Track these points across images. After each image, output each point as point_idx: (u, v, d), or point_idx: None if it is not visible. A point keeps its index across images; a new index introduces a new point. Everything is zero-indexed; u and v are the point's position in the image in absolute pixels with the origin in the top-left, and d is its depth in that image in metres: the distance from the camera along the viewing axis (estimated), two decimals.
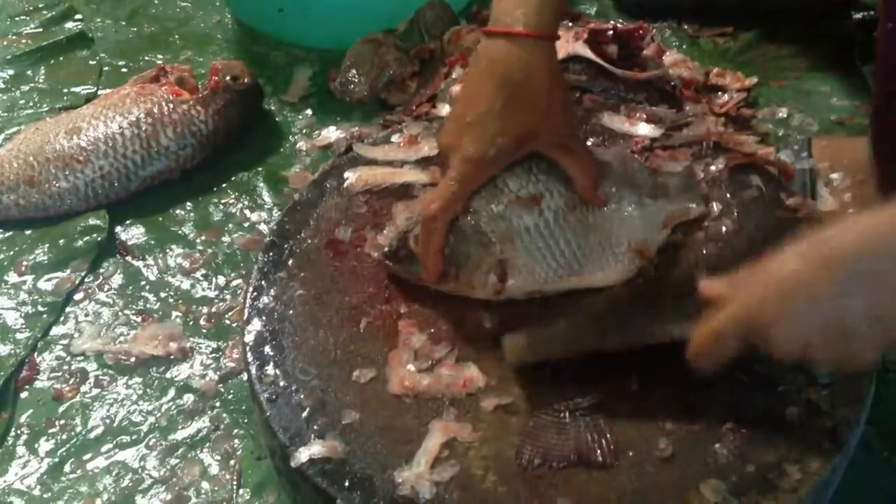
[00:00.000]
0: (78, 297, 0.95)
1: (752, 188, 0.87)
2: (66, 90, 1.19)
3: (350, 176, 0.91)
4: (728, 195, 0.86)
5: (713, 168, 0.88)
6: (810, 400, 0.71)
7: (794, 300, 0.61)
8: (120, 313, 0.93)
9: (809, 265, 0.60)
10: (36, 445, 0.82)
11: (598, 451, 0.69)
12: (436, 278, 0.78)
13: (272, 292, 0.81)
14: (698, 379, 0.72)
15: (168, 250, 0.99)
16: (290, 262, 0.84)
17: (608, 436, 0.69)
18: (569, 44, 1.02)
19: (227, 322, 0.92)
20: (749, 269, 0.64)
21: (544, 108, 0.75)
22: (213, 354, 0.89)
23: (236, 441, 0.82)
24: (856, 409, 0.70)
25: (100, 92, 1.18)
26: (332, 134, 1.11)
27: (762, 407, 0.71)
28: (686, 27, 1.23)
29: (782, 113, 1.09)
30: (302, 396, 0.73)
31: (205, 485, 0.79)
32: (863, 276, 0.58)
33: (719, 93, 1.09)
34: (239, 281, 0.95)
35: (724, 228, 0.81)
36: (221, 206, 1.04)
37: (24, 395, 0.86)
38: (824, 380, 0.71)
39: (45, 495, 0.78)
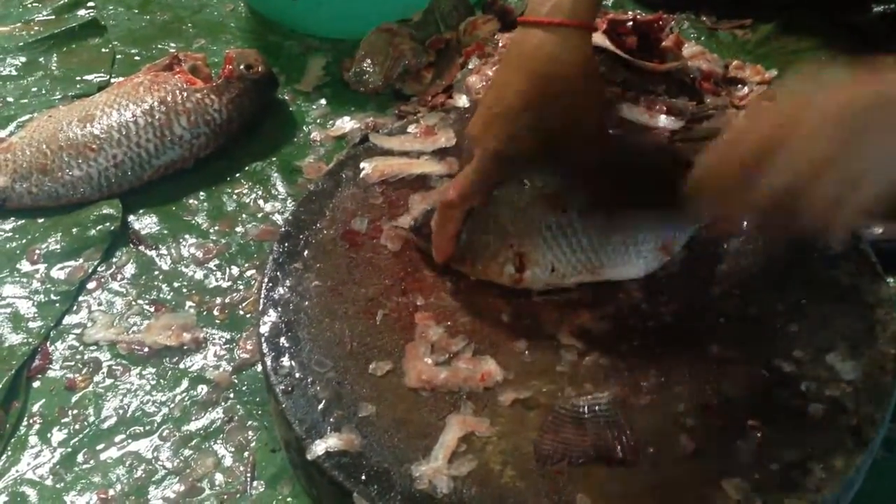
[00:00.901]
0: (91, 286, 0.94)
1: None
2: (78, 78, 1.19)
3: (366, 166, 0.90)
4: None
5: None
6: (834, 397, 0.70)
7: (809, 121, 0.56)
8: (133, 303, 0.92)
9: (840, 93, 0.57)
10: (48, 435, 0.81)
11: (618, 447, 0.68)
12: (444, 261, 0.78)
13: (287, 283, 0.81)
14: (719, 374, 0.72)
15: (181, 240, 0.99)
16: (306, 252, 0.84)
17: (628, 431, 0.69)
18: None
19: (241, 313, 0.91)
20: None
21: (577, 104, 0.72)
22: (227, 345, 0.88)
23: (250, 433, 0.81)
24: (880, 407, 0.69)
25: (112, 80, 1.17)
26: (346, 124, 1.10)
27: (785, 404, 0.70)
28: (704, 19, 1.22)
29: None
30: (318, 389, 0.73)
31: (218, 476, 0.78)
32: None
33: (739, 85, 1.07)
34: (252, 271, 0.95)
35: None
36: (235, 196, 1.03)
37: (36, 384, 0.86)
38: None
39: (57, 485, 0.78)
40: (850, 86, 0.58)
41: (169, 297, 0.93)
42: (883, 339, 0.73)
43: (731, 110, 0.99)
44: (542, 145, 0.72)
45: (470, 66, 1.08)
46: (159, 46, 1.24)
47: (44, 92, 1.16)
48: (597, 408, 0.70)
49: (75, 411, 0.83)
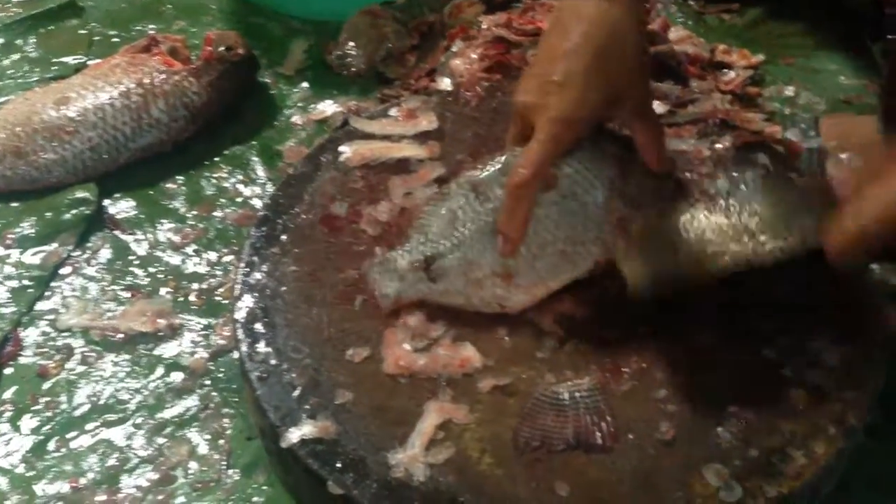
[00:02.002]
0: (65, 271, 0.92)
1: (759, 167, 0.84)
2: (55, 60, 1.16)
3: (346, 150, 0.89)
4: (735, 174, 0.84)
5: (719, 146, 0.86)
6: (816, 383, 0.69)
7: None
8: (108, 288, 0.90)
9: None
10: (19, 423, 0.80)
11: (598, 434, 0.67)
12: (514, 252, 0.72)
13: (264, 268, 0.79)
14: (700, 359, 0.71)
15: (158, 224, 0.97)
16: (284, 237, 0.82)
17: (608, 418, 0.68)
18: None
19: (218, 299, 0.90)
20: (886, 155, 0.59)
21: (633, 70, 0.70)
22: (204, 331, 0.87)
23: (226, 420, 0.79)
24: (863, 394, 0.68)
25: (90, 62, 1.14)
26: (328, 108, 1.09)
27: (766, 390, 0.69)
28: (692, 3, 1.21)
29: (789, 91, 1.06)
30: (294, 375, 0.71)
31: (193, 464, 0.77)
32: None
33: (725, 70, 1.06)
34: (231, 257, 0.93)
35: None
36: (214, 180, 1.02)
37: (7, 371, 0.84)
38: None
39: (28, 474, 0.76)
40: None
41: (145, 283, 0.91)
42: (868, 325, 0.72)
43: (716, 95, 0.98)
44: (605, 107, 0.71)
45: (454, 49, 1.07)
46: (138, 28, 1.21)
47: (20, 74, 1.14)
48: (577, 394, 0.69)
49: (47, 398, 0.81)
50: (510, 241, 0.71)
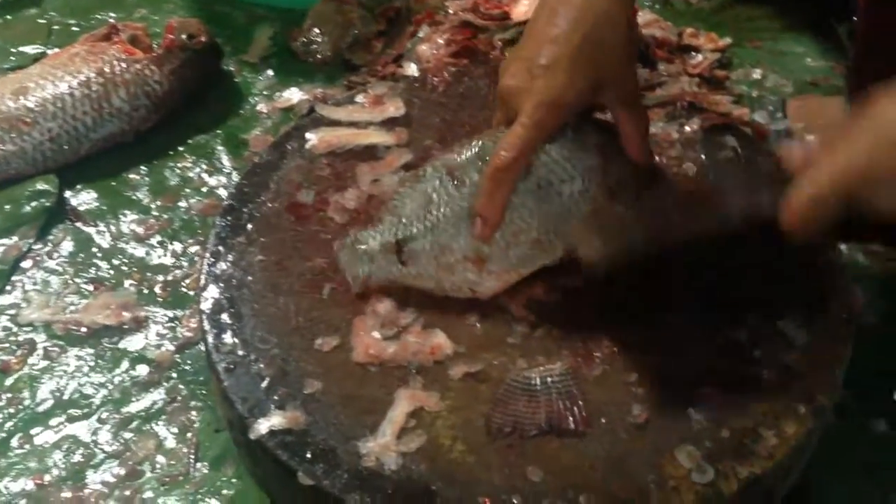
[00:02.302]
0: (26, 264, 0.90)
1: (728, 149, 0.85)
2: (13, 50, 1.14)
3: (312, 137, 0.87)
4: (703, 156, 0.84)
5: (688, 129, 0.86)
6: (786, 363, 0.69)
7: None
8: (70, 281, 0.89)
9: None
10: None
11: (570, 419, 0.67)
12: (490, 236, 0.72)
13: (230, 258, 0.78)
14: (671, 342, 0.70)
15: (121, 216, 0.95)
16: (250, 226, 0.81)
17: (580, 402, 0.67)
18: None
19: (184, 290, 0.88)
20: (843, 124, 0.58)
21: (620, 58, 0.69)
22: (170, 324, 0.85)
23: (193, 413, 0.78)
24: (832, 373, 0.69)
25: (49, 52, 1.12)
26: (294, 95, 1.07)
27: (737, 371, 0.69)
28: None
29: (756, 74, 1.07)
30: (261, 366, 0.70)
31: (160, 459, 0.75)
32: None
33: (692, 53, 1.06)
34: (196, 248, 0.92)
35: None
36: (178, 171, 1.00)
37: None
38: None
39: None
40: None
41: (108, 276, 0.89)
42: (835, 304, 0.73)
43: (684, 78, 0.98)
44: (591, 93, 0.70)
45: (420, 35, 1.06)
46: (98, 17, 1.19)
47: None
48: (549, 379, 0.69)
49: (9, 395, 0.80)
50: (488, 224, 0.70)
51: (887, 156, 0.55)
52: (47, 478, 0.74)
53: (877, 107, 0.56)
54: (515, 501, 0.62)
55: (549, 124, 0.69)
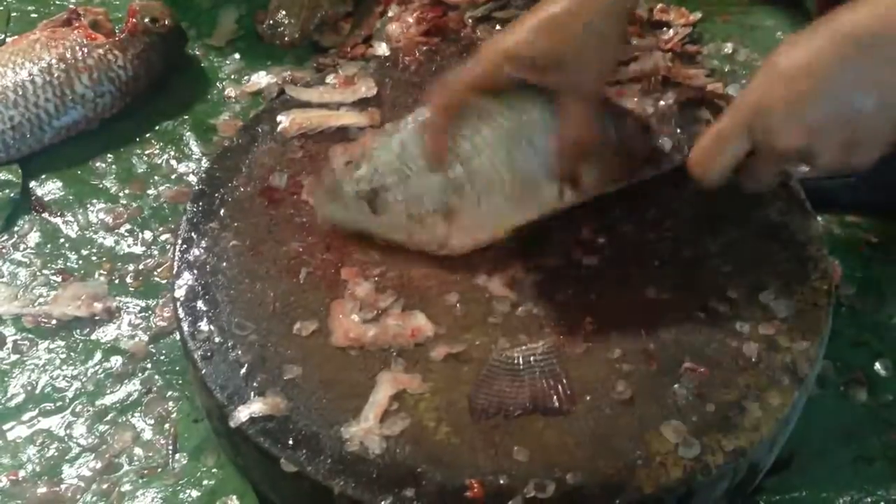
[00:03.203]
0: None
1: (703, 123, 0.84)
2: None
3: (283, 119, 0.86)
4: (678, 130, 0.83)
5: (662, 103, 0.85)
6: (768, 335, 0.69)
7: (800, 85, 0.58)
8: (38, 273, 0.86)
9: (818, 47, 0.57)
10: None
11: (555, 397, 0.66)
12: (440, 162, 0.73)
13: (203, 244, 0.76)
14: (654, 318, 0.70)
15: (89, 205, 0.93)
16: (222, 211, 0.79)
17: (564, 380, 0.67)
18: None
19: (157, 279, 0.86)
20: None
21: (599, 52, 0.69)
22: (143, 314, 0.83)
23: (171, 403, 0.77)
24: (814, 344, 0.69)
25: (8, 39, 1.09)
26: (262, 79, 1.05)
27: (720, 344, 0.69)
28: None
29: (727, 48, 1.06)
30: (239, 353, 0.69)
31: (138, 451, 0.74)
32: (876, 56, 0.55)
33: (664, 28, 1.06)
34: (167, 235, 0.90)
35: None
36: (145, 158, 0.98)
37: None
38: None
39: None
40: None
41: (77, 266, 0.87)
42: (815, 275, 0.73)
43: (657, 52, 0.97)
44: (549, 62, 0.69)
45: (390, 14, 1.04)
46: (57, 2, 1.16)
47: None
48: (532, 358, 0.68)
49: None
50: (435, 157, 0.72)
51: (776, 87, 0.59)
52: (22, 473, 0.72)
53: (775, 52, 0.61)
54: (502, 482, 0.62)
55: (494, 70, 0.70)
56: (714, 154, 0.64)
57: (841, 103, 0.57)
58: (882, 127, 0.58)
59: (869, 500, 0.71)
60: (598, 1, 0.69)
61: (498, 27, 1.01)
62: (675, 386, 0.66)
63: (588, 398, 0.66)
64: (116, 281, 0.86)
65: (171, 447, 0.74)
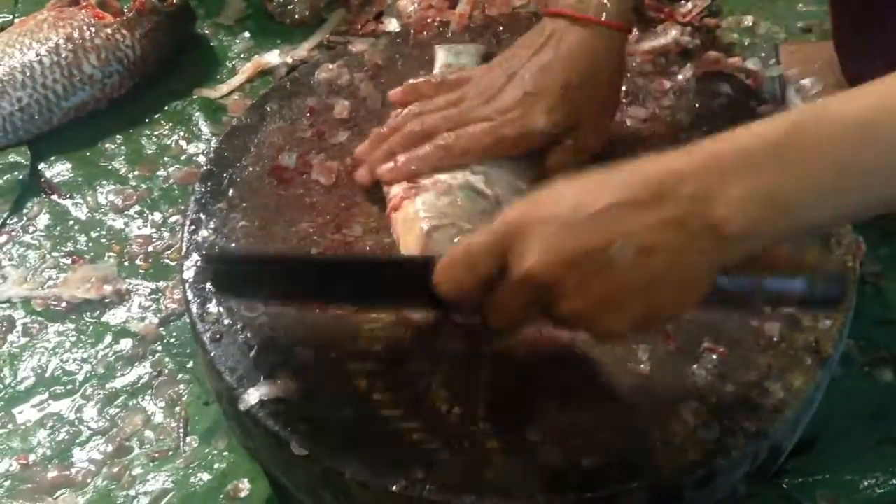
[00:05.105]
0: (0, 240, 0.87)
1: (722, 97, 0.82)
2: None
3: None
4: (697, 105, 0.82)
5: (680, 77, 0.84)
6: (790, 314, 0.67)
7: (555, 212, 0.52)
8: (48, 256, 0.86)
9: (583, 183, 0.53)
10: None
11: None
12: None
13: (212, 225, 0.75)
14: None
15: (98, 187, 0.92)
16: (231, 191, 0.78)
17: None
18: None
19: (166, 261, 0.85)
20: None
21: (608, 97, 0.74)
22: (152, 296, 0.82)
23: (181, 386, 0.76)
24: (837, 322, 0.67)
25: (16, 20, 1.08)
26: (272, 58, 1.03)
27: (740, 324, 0.67)
28: None
29: (748, 21, 1.03)
30: (248, 335, 0.68)
31: (148, 434, 0.73)
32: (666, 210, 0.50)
33: (682, 1, 1.03)
34: (177, 217, 0.88)
35: None
36: (155, 138, 0.96)
37: None
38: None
39: None
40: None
41: (86, 248, 0.86)
42: (837, 252, 0.71)
43: (675, 27, 0.95)
44: (567, 125, 0.72)
45: None
46: None
47: None
48: None
49: None
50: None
51: (531, 217, 0.53)
52: (32, 457, 0.72)
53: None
54: (516, 463, 0.60)
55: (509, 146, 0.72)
56: (461, 270, 0.56)
57: (600, 240, 0.51)
58: (639, 291, 0.52)
59: (894, 481, 0.69)
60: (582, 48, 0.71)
61: None
62: (695, 366, 0.64)
63: (605, 379, 0.64)
64: (126, 263, 0.85)
65: (181, 430, 0.73)
